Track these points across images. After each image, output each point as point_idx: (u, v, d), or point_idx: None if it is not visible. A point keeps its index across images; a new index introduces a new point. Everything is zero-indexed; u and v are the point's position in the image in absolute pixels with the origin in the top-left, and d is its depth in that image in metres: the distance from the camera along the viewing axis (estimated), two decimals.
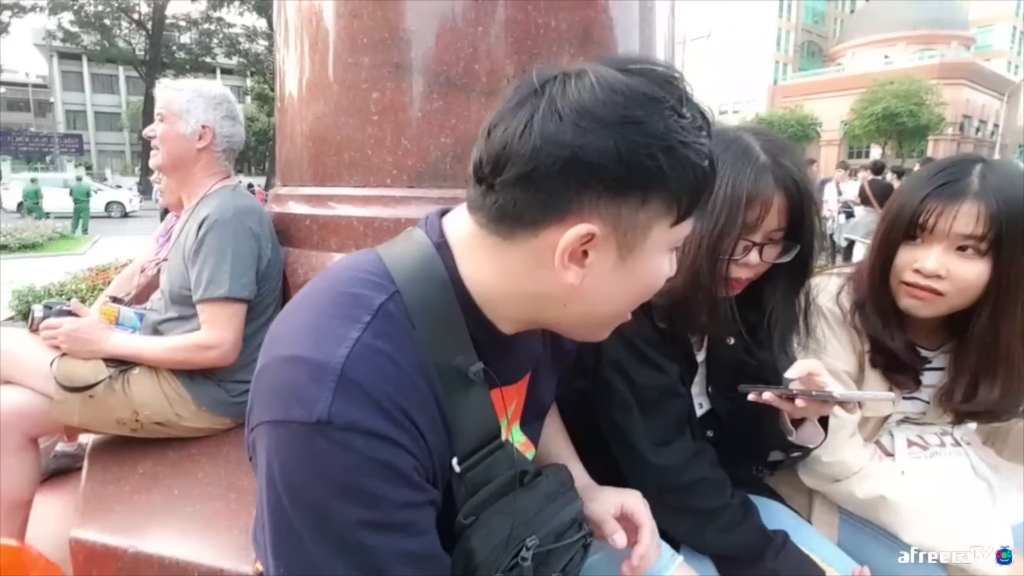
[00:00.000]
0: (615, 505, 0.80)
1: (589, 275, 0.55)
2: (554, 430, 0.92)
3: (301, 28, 1.52)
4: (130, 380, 1.35)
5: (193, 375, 1.37)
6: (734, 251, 0.86)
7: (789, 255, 0.88)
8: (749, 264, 0.88)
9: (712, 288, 0.87)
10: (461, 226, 0.60)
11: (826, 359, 1.02)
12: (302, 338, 0.55)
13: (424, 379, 0.56)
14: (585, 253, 0.54)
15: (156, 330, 1.44)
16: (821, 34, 52.34)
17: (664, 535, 0.88)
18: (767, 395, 0.81)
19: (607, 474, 0.90)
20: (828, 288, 1.07)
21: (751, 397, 0.83)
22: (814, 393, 0.78)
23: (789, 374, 0.82)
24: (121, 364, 1.36)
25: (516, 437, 0.74)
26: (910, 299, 0.97)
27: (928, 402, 1.07)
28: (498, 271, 0.58)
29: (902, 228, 0.96)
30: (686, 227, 0.57)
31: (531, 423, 0.78)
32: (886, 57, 41.93)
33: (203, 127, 1.45)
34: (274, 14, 1.73)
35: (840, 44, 48.80)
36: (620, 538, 0.75)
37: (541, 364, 0.75)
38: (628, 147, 0.50)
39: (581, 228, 0.52)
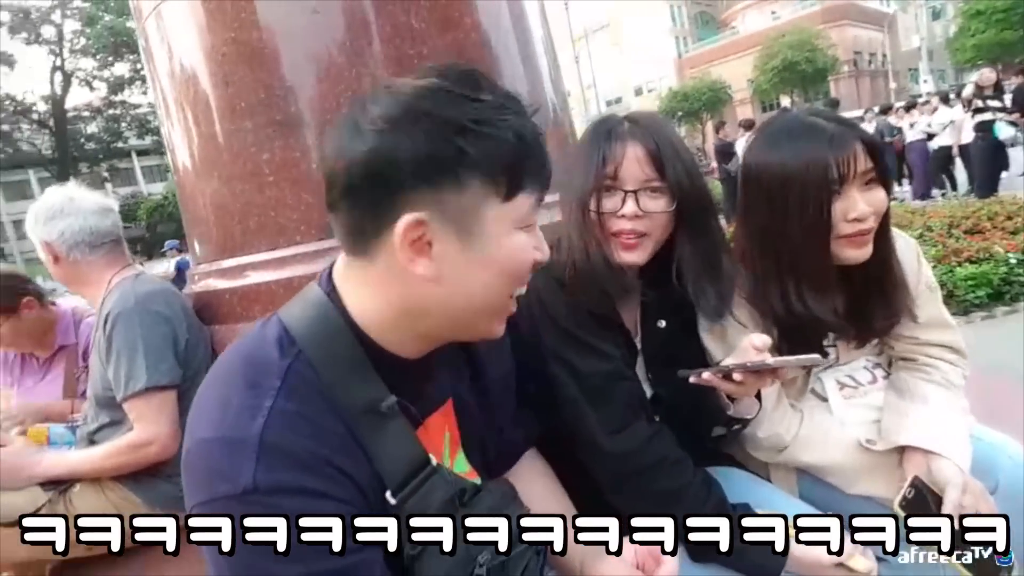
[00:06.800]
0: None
1: (443, 266, 0.58)
2: (544, 487, 0.91)
3: (180, 101, 1.49)
4: (72, 499, 1.29)
5: (138, 476, 1.31)
6: (600, 203, 0.92)
7: (673, 203, 0.92)
8: (627, 215, 0.91)
9: (605, 250, 0.92)
10: (341, 267, 0.64)
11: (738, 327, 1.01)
12: (218, 416, 0.56)
13: (342, 425, 0.57)
14: (430, 244, 0.57)
15: (92, 440, 1.37)
16: (710, 3, 54.69)
17: None
18: (706, 375, 0.84)
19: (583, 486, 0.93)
20: None
21: (692, 380, 0.86)
22: (748, 364, 0.81)
23: (744, 343, 0.83)
24: (59, 484, 1.30)
25: (460, 467, 0.74)
26: (854, 249, 0.95)
27: (835, 345, 1.09)
28: (376, 294, 0.61)
29: (824, 190, 0.93)
30: (523, 202, 0.59)
31: (474, 451, 0.77)
32: (773, 13, 44.09)
33: (44, 245, 1.40)
34: (150, 90, 1.69)
35: (730, 9, 51.13)
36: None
37: (461, 388, 0.76)
38: (422, 137, 0.54)
39: (408, 217, 0.55)
